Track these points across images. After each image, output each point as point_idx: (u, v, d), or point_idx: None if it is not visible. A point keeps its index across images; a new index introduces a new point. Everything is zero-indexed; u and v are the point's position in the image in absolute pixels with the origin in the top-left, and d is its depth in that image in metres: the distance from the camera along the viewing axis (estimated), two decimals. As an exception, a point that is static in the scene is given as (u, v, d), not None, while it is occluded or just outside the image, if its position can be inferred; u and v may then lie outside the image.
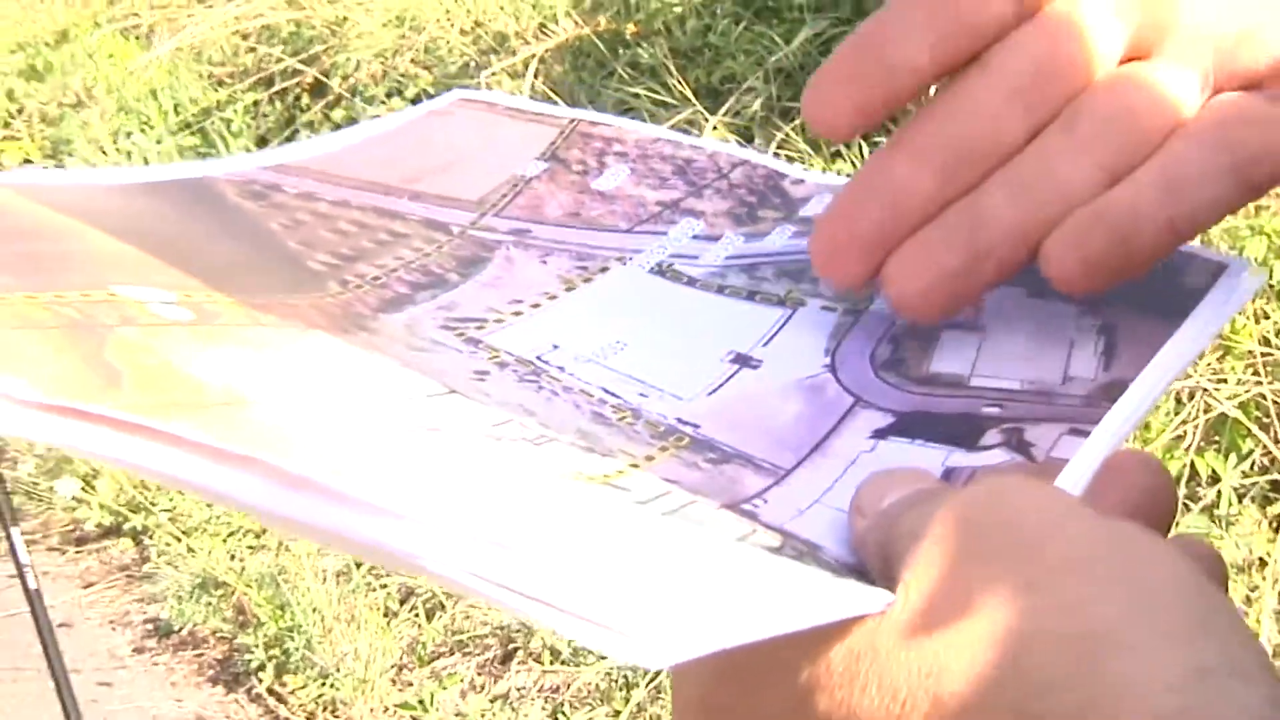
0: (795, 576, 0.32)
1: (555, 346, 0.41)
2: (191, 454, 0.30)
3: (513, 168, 0.48)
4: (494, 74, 3.78)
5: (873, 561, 0.34)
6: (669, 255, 0.45)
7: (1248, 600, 1.98)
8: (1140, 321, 0.40)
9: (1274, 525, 2.14)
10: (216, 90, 4.36)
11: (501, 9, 4.09)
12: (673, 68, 3.50)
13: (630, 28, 3.81)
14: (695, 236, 0.46)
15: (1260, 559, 2.02)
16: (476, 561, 0.28)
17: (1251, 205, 2.47)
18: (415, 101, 3.22)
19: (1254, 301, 2.39)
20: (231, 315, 0.37)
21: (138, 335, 0.34)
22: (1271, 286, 2.41)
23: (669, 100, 3.37)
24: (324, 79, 4.06)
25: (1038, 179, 0.39)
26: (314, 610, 2.50)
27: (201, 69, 4.49)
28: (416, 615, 2.53)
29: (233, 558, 2.72)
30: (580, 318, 0.43)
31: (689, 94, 3.35)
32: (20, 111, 4.59)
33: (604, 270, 0.45)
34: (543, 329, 0.42)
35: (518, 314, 0.42)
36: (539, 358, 0.40)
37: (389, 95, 3.91)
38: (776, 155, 3.13)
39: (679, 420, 0.39)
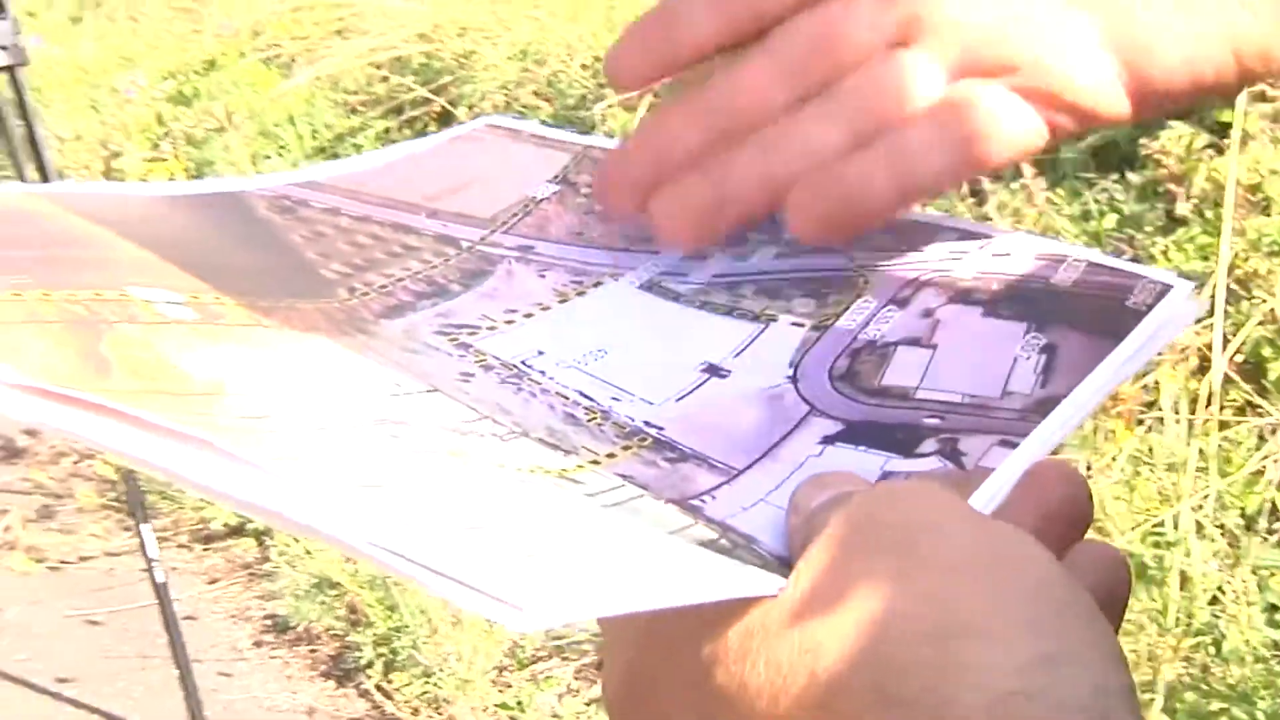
0: (700, 561, 0.34)
1: (540, 352, 0.42)
2: (157, 437, 0.32)
3: (525, 189, 0.49)
4: (610, 106, 3.78)
5: (797, 554, 0.35)
6: (659, 273, 0.46)
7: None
8: (1081, 340, 0.41)
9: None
10: (350, 117, 4.41)
11: (620, 44, 4.10)
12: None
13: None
14: (685, 256, 0.47)
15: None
16: (378, 532, 0.30)
17: None
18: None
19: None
20: (235, 316, 0.39)
21: (137, 331, 0.36)
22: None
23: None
24: (451, 108, 4.08)
25: (787, 140, 0.42)
26: (421, 612, 2.51)
27: (336, 97, 4.54)
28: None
29: (347, 560, 2.73)
30: (568, 327, 0.44)
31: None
32: (167, 134, 4.67)
33: (597, 285, 0.46)
34: (531, 336, 0.43)
35: (510, 322, 0.44)
36: (523, 362, 0.42)
37: (511, 125, 3.93)
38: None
39: (645, 423, 0.40)
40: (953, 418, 0.40)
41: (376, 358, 0.40)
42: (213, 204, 0.45)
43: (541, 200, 0.49)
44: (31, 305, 0.36)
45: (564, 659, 2.47)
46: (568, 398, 0.41)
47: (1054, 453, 0.38)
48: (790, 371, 0.42)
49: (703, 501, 0.37)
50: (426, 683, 2.44)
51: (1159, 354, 2.43)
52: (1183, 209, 2.62)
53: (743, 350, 0.43)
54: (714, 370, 0.42)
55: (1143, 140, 2.72)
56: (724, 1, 0.43)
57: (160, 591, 2.21)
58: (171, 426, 0.32)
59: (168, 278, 0.39)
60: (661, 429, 0.40)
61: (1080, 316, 0.42)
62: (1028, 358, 0.41)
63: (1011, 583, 0.32)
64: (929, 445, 0.39)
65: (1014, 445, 0.38)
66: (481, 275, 0.46)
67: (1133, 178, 2.82)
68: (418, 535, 0.31)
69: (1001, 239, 0.46)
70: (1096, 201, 2.85)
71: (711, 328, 0.44)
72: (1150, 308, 0.41)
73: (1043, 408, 0.39)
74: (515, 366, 0.42)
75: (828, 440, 0.40)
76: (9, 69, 2.12)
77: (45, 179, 2.10)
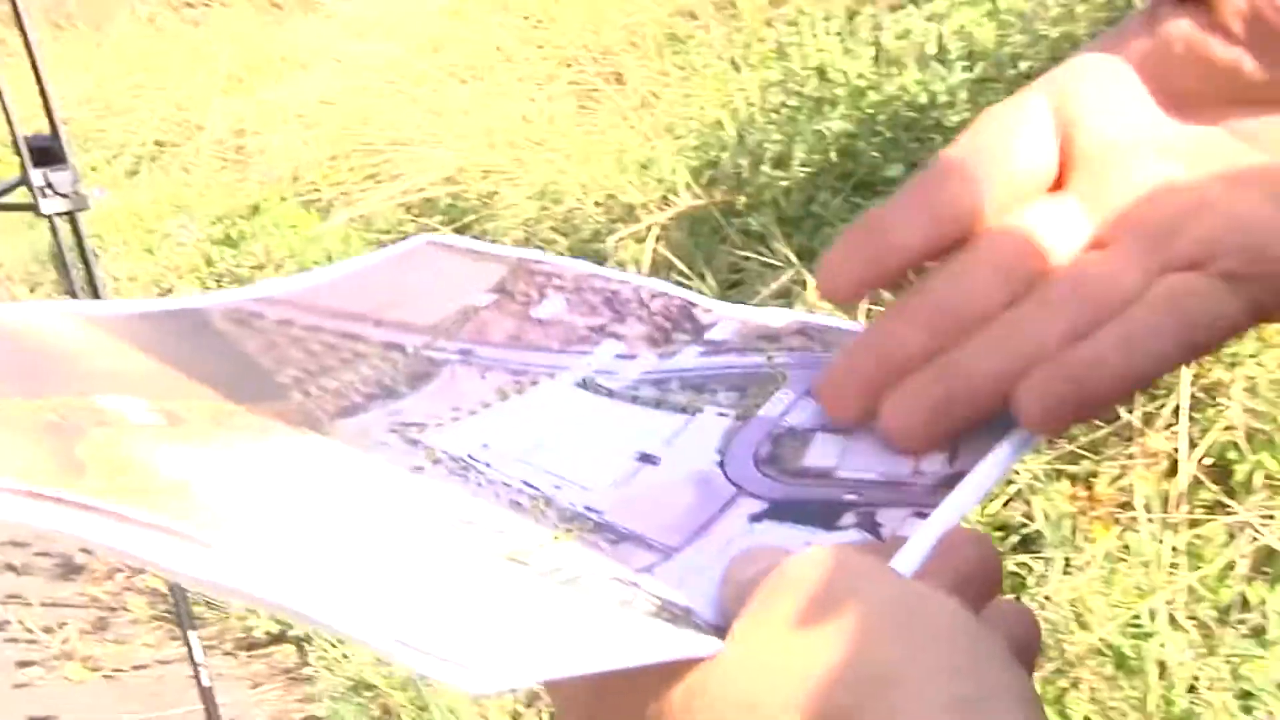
0: (641, 626, 0.35)
1: (485, 445, 0.43)
2: (129, 527, 0.33)
3: (465, 299, 0.50)
4: (620, 239, 3.81)
5: (730, 620, 0.36)
6: (592, 371, 0.47)
7: (1290, 716, 1.93)
8: (984, 426, 0.41)
9: (1316, 648, 2.09)
10: (382, 254, 4.45)
11: (630, 183, 4.14)
12: (779, 234, 3.51)
13: (742, 200, 3.83)
14: (617, 356, 0.48)
15: (1301, 679, 1.97)
16: (353, 614, 0.31)
17: None
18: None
19: (1300, 444, 2.35)
20: (198, 421, 0.40)
21: (109, 435, 0.37)
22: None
23: (774, 262, 3.37)
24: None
25: (1011, 336, 0.41)
26: (450, 711, 2.49)
27: (370, 236, 4.58)
28: (540, 716, 2.53)
29: (380, 663, 2.72)
30: (509, 422, 0.45)
31: (792, 257, 3.35)
32: (215, 274, 4.72)
33: (535, 383, 0.47)
34: (476, 431, 0.44)
35: (455, 419, 0.44)
36: (469, 455, 0.42)
37: (530, 259, 3.95)
38: (870, 314, 3.11)
39: (586, 508, 0.41)
40: (869, 492, 0.40)
41: (331, 455, 0.41)
42: (176, 318, 0.46)
43: (480, 308, 0.50)
44: (9, 411, 0.36)
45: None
46: (511, 485, 0.41)
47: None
48: (718, 457, 0.43)
49: (641, 578, 0.38)
50: (456, 778, 2.42)
51: (1131, 458, 2.43)
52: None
53: (673, 439, 0.43)
54: (647, 458, 0.43)
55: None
56: (934, 210, 0.42)
57: (206, 695, 2.21)
58: (149, 520, 0.33)
59: (135, 386, 0.40)
60: (601, 513, 0.40)
61: None
62: None
63: (927, 632, 0.33)
64: (849, 519, 0.39)
65: (927, 515, 0.38)
66: (427, 377, 0.46)
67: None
68: (378, 607, 0.31)
69: None
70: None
71: (643, 420, 0.45)
72: None
73: (950, 482, 0.40)
74: (462, 459, 0.42)
75: (755, 518, 0.40)
76: (70, 214, 2.15)
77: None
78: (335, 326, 0.47)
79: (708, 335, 0.48)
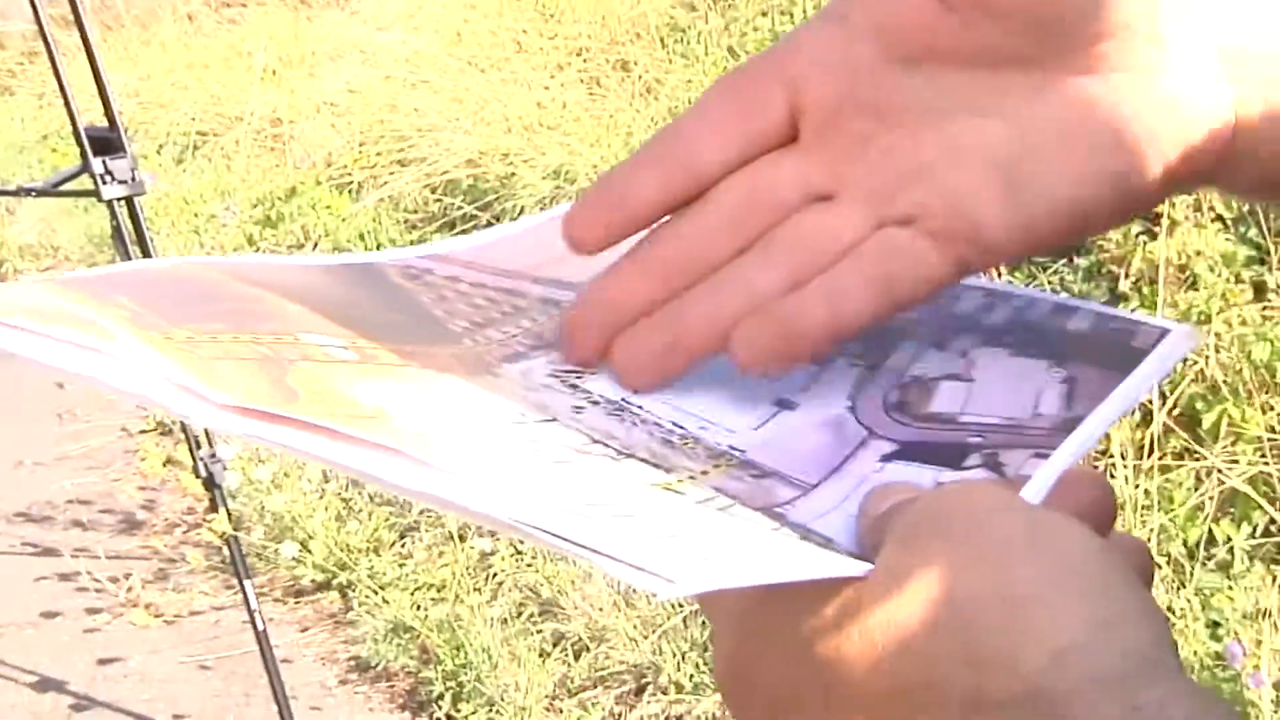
0: (802, 549, 0.35)
1: (636, 391, 0.43)
2: (349, 445, 0.34)
3: (612, 256, 0.49)
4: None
5: (870, 551, 0.35)
6: None
7: (1256, 644, 1.94)
8: (1097, 373, 0.41)
9: (1278, 581, 2.09)
10: (409, 232, 4.44)
11: (638, 163, 4.13)
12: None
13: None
14: None
15: (1265, 610, 1.97)
16: (563, 525, 0.32)
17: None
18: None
19: (1262, 393, 2.35)
20: (386, 358, 0.40)
21: (313, 368, 0.37)
22: (1272, 379, 2.37)
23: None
24: (495, 221, 4.12)
25: (732, 285, 0.41)
26: (483, 650, 2.51)
27: (398, 216, 4.59)
28: (566, 655, 2.53)
29: (418, 608, 2.73)
30: None
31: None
32: (257, 251, 4.71)
33: None
34: None
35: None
36: (624, 399, 0.42)
37: (547, 234, 3.95)
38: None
39: (730, 447, 0.41)
40: (992, 436, 0.40)
41: (503, 393, 0.41)
42: (354, 272, 0.46)
43: None
44: (228, 345, 0.37)
45: (605, 688, 2.46)
46: (663, 425, 0.41)
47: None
48: (849, 403, 0.42)
49: (785, 510, 0.38)
50: (489, 711, 2.44)
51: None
52: (1124, 286, 2.63)
53: (809, 386, 0.43)
54: (784, 404, 0.43)
55: (1086, 229, 2.73)
56: (663, 166, 0.42)
57: (261, 639, 2.21)
58: (364, 437, 0.34)
59: (329, 328, 0.40)
60: (744, 451, 0.40)
61: (1094, 354, 0.43)
62: (1052, 387, 0.42)
63: (1064, 556, 0.33)
64: (974, 459, 0.39)
65: (1047, 456, 0.38)
66: None
67: (1080, 261, 2.83)
68: (581, 523, 0.32)
69: (1020, 293, 0.46)
70: (1050, 283, 2.86)
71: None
72: (1153, 347, 0.42)
73: (1068, 426, 0.39)
74: (617, 402, 0.42)
75: (886, 459, 0.40)
76: (128, 199, 2.15)
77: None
78: (497, 284, 0.48)
79: None
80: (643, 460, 0.39)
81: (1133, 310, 2.54)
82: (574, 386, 0.43)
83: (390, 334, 0.41)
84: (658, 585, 0.30)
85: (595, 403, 0.42)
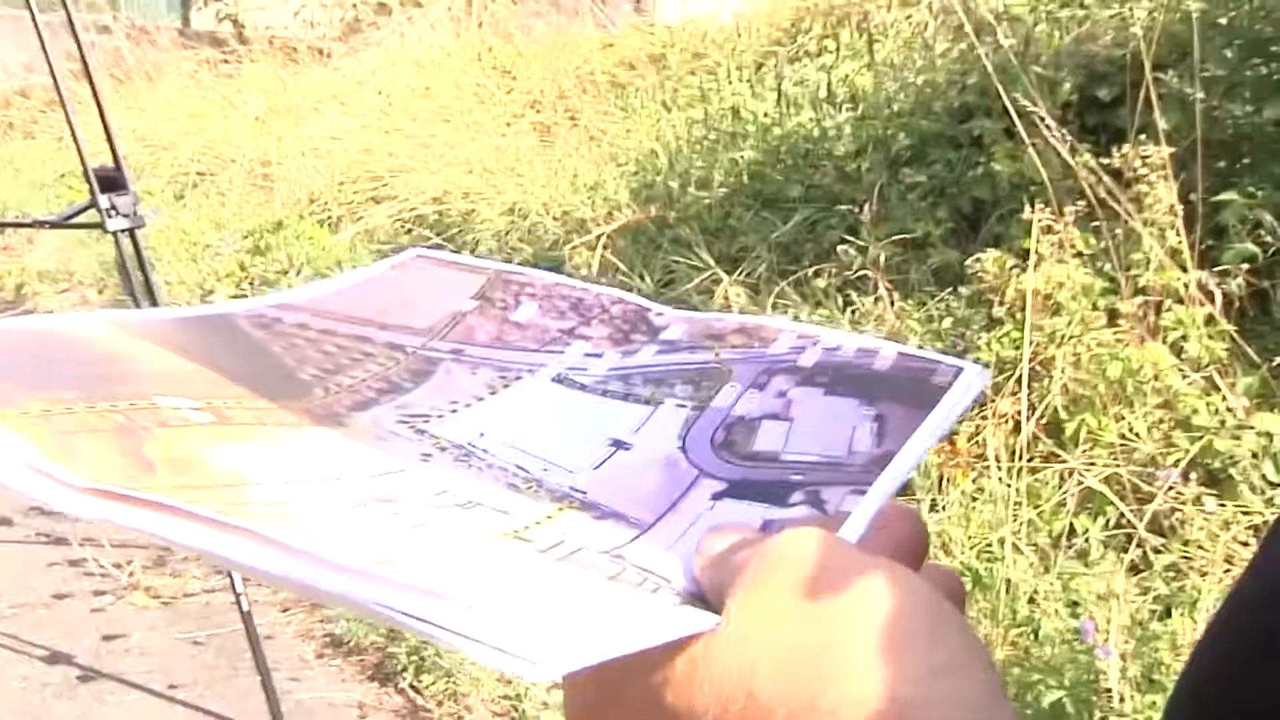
0: (651, 607, 0.33)
1: (481, 434, 0.41)
2: (201, 527, 0.30)
3: (453, 305, 0.47)
4: (574, 247, 3.80)
5: (708, 591, 0.34)
6: (566, 368, 0.45)
7: (1107, 621, 1.96)
8: (903, 410, 0.40)
9: (1127, 567, 2.12)
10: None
11: (582, 202, 4.14)
12: (702, 243, 3.52)
13: (673, 214, 3.84)
14: (586, 354, 0.45)
15: (1114, 593, 2.00)
16: (423, 609, 0.29)
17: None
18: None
19: (1115, 405, 2.39)
20: (241, 417, 0.37)
21: (169, 434, 0.34)
22: (1123, 393, 2.41)
23: (699, 265, 3.37)
24: (457, 253, 4.09)
25: None
26: (444, 628, 2.49)
27: (372, 246, 4.55)
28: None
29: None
30: (500, 413, 0.42)
31: (712, 261, 3.36)
32: (248, 278, 4.67)
33: (518, 378, 0.44)
34: (472, 421, 0.42)
35: (454, 410, 0.42)
36: (469, 443, 0.40)
37: (503, 263, 3.94)
38: (775, 307, 3.12)
39: (571, 488, 0.39)
40: (812, 474, 0.39)
41: (355, 444, 0.38)
42: (208, 323, 0.44)
43: (466, 313, 0.47)
44: (82, 417, 0.34)
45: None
46: (507, 469, 0.39)
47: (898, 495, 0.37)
48: (680, 443, 0.41)
49: (625, 551, 0.36)
50: (448, 681, 2.42)
51: (984, 419, 2.46)
52: (999, 312, 2.66)
53: (640, 428, 0.42)
54: (619, 444, 0.41)
55: (969, 263, 2.76)
56: None
57: (246, 618, 2.18)
58: (215, 517, 0.31)
59: (184, 388, 0.37)
60: (584, 493, 0.39)
61: (899, 392, 0.41)
62: (864, 425, 0.40)
63: (900, 606, 0.31)
64: (797, 496, 0.38)
65: (863, 492, 0.37)
66: (427, 374, 0.44)
67: (963, 290, 2.87)
68: (440, 605, 0.29)
69: (829, 336, 0.44)
70: (937, 309, 2.90)
71: (613, 410, 0.43)
72: (950, 384, 0.41)
73: (881, 461, 0.38)
74: (464, 446, 0.40)
75: (716, 497, 0.38)
76: (130, 231, 2.12)
77: (156, 311, 2.08)
78: (345, 330, 0.45)
79: (662, 336, 0.46)
80: (492, 509, 0.36)
81: (1007, 332, 2.57)
82: (421, 432, 0.40)
83: (245, 387, 0.39)
84: (521, 667, 0.28)
85: (443, 449, 0.40)
